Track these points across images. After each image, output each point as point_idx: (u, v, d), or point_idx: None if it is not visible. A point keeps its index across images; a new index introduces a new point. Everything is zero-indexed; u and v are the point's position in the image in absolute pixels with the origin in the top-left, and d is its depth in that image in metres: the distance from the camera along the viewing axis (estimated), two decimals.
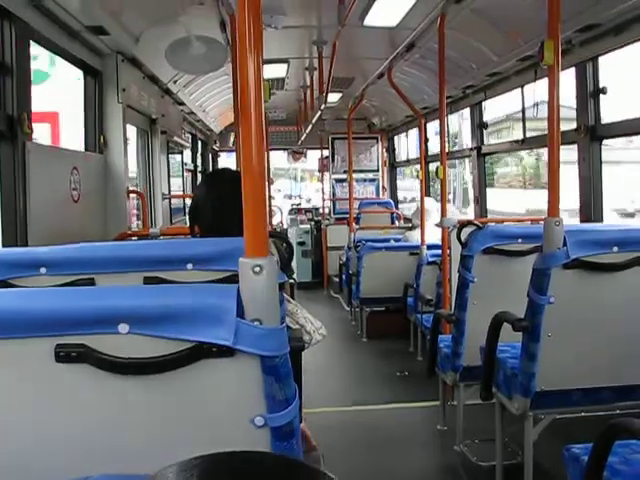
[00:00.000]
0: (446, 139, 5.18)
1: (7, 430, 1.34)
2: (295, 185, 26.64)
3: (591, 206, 4.71)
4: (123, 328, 1.29)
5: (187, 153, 9.11)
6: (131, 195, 5.06)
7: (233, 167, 5.35)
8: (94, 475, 0.91)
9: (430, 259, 6.01)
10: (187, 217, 2.69)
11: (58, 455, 1.35)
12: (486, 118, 6.94)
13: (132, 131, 5.67)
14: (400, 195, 12.59)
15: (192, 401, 1.36)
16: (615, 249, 2.73)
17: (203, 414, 1.36)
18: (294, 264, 11.01)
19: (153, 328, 1.30)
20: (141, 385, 1.33)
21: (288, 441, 1.36)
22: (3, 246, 3.21)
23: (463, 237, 3.87)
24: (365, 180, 12.06)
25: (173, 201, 7.46)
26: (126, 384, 1.32)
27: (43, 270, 1.98)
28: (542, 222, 2.83)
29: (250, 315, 1.31)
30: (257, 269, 1.30)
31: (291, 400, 1.36)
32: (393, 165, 12.02)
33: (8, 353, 1.30)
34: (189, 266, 2.01)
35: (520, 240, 3.63)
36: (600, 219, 4.70)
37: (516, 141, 6.28)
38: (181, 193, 8.47)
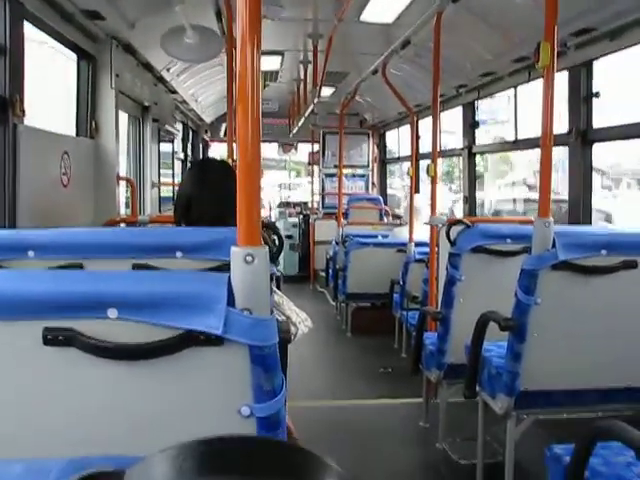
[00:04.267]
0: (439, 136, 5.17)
1: None
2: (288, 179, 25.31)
3: (580, 208, 4.73)
4: (112, 313, 1.29)
5: (177, 142, 9.06)
6: (120, 182, 5.03)
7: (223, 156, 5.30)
8: (93, 455, 0.90)
9: (417, 256, 6.02)
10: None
11: (43, 437, 1.34)
12: None
13: (123, 117, 5.63)
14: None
15: (179, 388, 1.35)
16: (603, 252, 2.74)
17: (190, 402, 1.36)
18: (281, 257, 11.01)
19: (142, 314, 1.29)
20: (129, 371, 1.33)
21: (274, 432, 1.36)
22: None
23: (452, 235, 3.87)
24: (355, 176, 12.07)
25: (162, 190, 7.41)
26: (113, 369, 1.32)
27: (31, 253, 1.96)
28: (531, 223, 2.84)
29: (240, 304, 1.31)
30: (249, 258, 1.30)
31: (278, 391, 1.36)
32: (384, 161, 12.02)
33: None
34: (178, 254, 2.00)
35: (509, 240, 3.64)
36: (589, 221, 4.73)
37: (508, 142, 6.30)
38: (171, 181, 8.42)
